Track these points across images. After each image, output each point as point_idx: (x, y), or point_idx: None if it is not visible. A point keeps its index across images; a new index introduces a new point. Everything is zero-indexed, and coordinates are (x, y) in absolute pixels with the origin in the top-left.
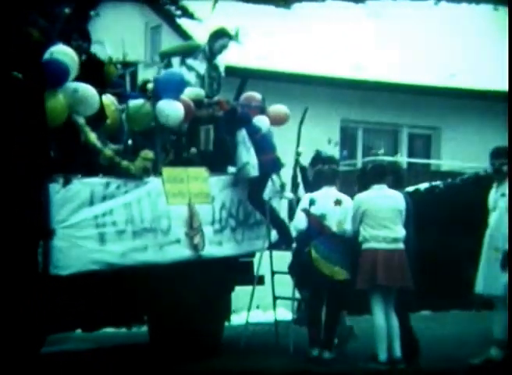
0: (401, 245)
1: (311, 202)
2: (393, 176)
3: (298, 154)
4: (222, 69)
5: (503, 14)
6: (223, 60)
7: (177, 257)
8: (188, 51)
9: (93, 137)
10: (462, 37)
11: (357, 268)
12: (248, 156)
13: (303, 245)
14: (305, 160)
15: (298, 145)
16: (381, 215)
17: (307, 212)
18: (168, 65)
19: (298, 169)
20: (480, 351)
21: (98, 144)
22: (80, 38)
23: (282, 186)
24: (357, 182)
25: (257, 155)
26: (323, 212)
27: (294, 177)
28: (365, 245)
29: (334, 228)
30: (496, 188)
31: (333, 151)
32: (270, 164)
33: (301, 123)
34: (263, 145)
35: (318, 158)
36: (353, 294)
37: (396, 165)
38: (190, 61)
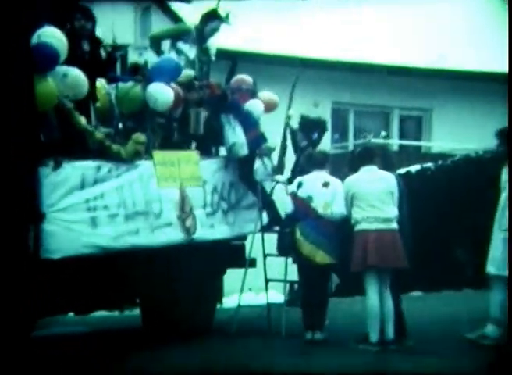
0: (393, 225)
1: (299, 185)
2: (382, 159)
3: (288, 117)
4: (213, 52)
5: None
6: (215, 43)
7: (169, 240)
8: (178, 35)
9: (82, 120)
10: (452, 18)
11: (350, 251)
12: (234, 136)
13: (288, 228)
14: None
15: (289, 108)
16: (370, 196)
17: (294, 194)
18: (159, 48)
19: (288, 132)
20: (475, 328)
21: (88, 127)
22: (83, 18)
23: (274, 169)
24: (347, 165)
25: (245, 129)
26: (310, 194)
27: (284, 139)
28: (357, 227)
29: (320, 210)
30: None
31: (320, 113)
32: (255, 141)
33: (293, 87)
34: (247, 123)
35: (305, 121)
36: (348, 276)
37: (384, 148)
38: (180, 44)
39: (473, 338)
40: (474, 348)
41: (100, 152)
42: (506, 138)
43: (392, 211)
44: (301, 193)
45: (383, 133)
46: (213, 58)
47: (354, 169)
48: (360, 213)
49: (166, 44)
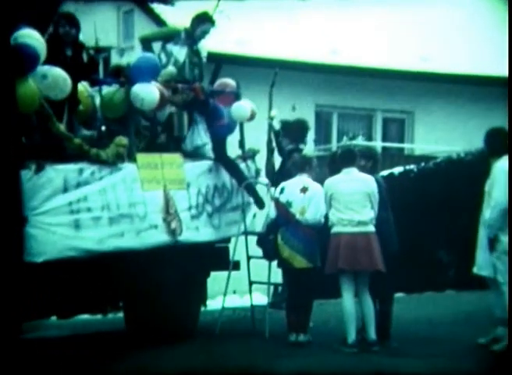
0: (368, 228)
1: (281, 191)
2: (371, 160)
3: (271, 118)
4: (204, 54)
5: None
6: (206, 45)
7: (155, 242)
8: (168, 37)
9: (60, 125)
10: (435, 22)
11: (326, 253)
12: (206, 137)
13: (270, 232)
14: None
15: (270, 109)
16: (347, 198)
17: (276, 200)
18: (149, 50)
19: (272, 134)
20: (486, 331)
21: (66, 132)
22: (67, 24)
23: (257, 171)
24: (328, 167)
25: (212, 122)
26: (289, 199)
27: (269, 142)
28: (333, 230)
29: (297, 215)
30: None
31: (300, 115)
32: (224, 129)
33: (272, 86)
34: (216, 113)
35: (286, 125)
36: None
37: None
38: (169, 46)
39: (484, 343)
40: (460, 349)
41: (79, 156)
42: (504, 139)
43: (369, 214)
44: (282, 198)
45: (359, 138)
46: (204, 60)
47: (335, 170)
48: (336, 215)
49: (157, 46)
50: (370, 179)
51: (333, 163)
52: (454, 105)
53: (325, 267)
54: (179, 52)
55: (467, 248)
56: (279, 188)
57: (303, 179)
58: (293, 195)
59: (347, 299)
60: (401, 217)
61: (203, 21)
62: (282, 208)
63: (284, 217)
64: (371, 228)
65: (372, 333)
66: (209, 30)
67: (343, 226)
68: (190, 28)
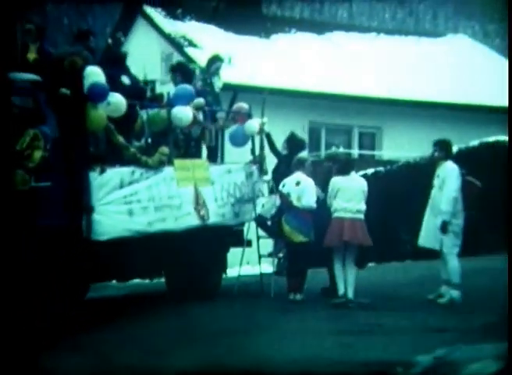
0: (361, 216)
1: (283, 185)
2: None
3: (263, 123)
4: (218, 85)
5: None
6: (220, 79)
7: (188, 225)
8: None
9: (120, 138)
10: (403, 56)
11: (325, 231)
12: None
13: (276, 217)
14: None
15: (262, 116)
16: (349, 192)
17: (280, 192)
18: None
19: (264, 135)
20: (433, 290)
21: (124, 142)
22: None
23: (265, 171)
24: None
25: None
26: (288, 191)
27: (261, 141)
28: (335, 214)
29: (294, 202)
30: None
31: (304, 135)
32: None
33: (264, 101)
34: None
35: (293, 137)
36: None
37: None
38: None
39: (432, 298)
40: (415, 303)
41: (133, 162)
42: (448, 147)
43: (363, 205)
44: (284, 190)
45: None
46: (218, 90)
47: (338, 170)
48: (340, 204)
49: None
50: (363, 180)
51: (342, 166)
52: (412, 123)
53: (323, 241)
54: (196, 85)
55: (420, 228)
56: (281, 184)
57: (298, 175)
58: (290, 188)
59: (338, 266)
60: (372, 207)
61: (215, 61)
62: (284, 198)
63: (286, 204)
64: (363, 216)
65: (351, 293)
66: (220, 67)
67: (345, 212)
68: (206, 66)
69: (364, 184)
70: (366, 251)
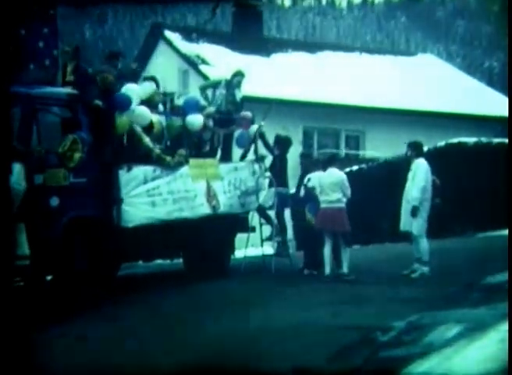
0: (342, 204)
1: (308, 179)
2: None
3: (261, 126)
4: (239, 95)
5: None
6: (241, 91)
7: (202, 214)
8: (215, 85)
9: (147, 140)
10: (383, 68)
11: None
12: None
13: (301, 207)
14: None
15: (263, 120)
16: (327, 185)
17: (305, 185)
18: (205, 94)
19: (257, 135)
20: (407, 266)
21: (150, 144)
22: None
23: (266, 169)
24: (317, 165)
25: None
26: (313, 185)
27: (254, 138)
28: (321, 205)
29: (319, 195)
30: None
31: (292, 134)
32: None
33: (268, 109)
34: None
35: (279, 138)
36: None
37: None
38: (218, 91)
39: (406, 273)
40: (391, 277)
41: (157, 161)
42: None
43: (339, 195)
44: (309, 184)
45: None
46: (238, 99)
47: (322, 166)
48: (322, 197)
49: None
50: (341, 173)
51: (323, 163)
52: (390, 127)
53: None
54: (220, 94)
55: (398, 215)
56: (306, 178)
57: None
58: (315, 182)
59: (327, 247)
60: (357, 199)
61: (238, 75)
62: (309, 191)
63: (310, 196)
64: (342, 204)
65: (345, 268)
66: (242, 81)
67: (325, 203)
68: (230, 78)
69: (340, 176)
70: (348, 234)
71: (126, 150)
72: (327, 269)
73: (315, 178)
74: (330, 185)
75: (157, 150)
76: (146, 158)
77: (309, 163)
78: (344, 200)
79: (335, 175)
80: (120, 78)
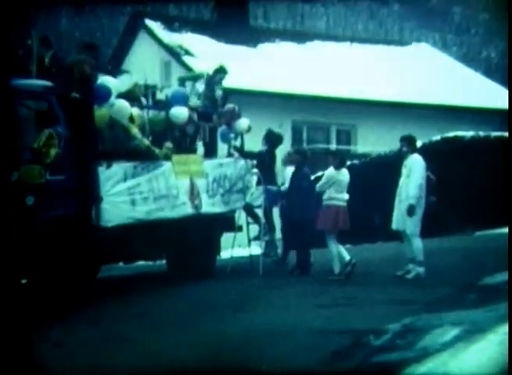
0: (346, 204)
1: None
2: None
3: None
4: (219, 92)
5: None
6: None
7: (184, 214)
8: (196, 78)
9: (135, 130)
10: (376, 61)
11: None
12: None
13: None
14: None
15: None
16: (343, 184)
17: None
18: (183, 86)
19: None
20: (401, 267)
21: (139, 135)
22: (41, 46)
23: (253, 165)
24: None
25: None
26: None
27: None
28: (330, 202)
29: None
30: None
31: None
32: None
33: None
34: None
35: (270, 133)
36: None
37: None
38: (197, 84)
39: (401, 274)
40: (386, 278)
41: (146, 153)
42: (413, 142)
43: (347, 195)
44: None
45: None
46: (217, 97)
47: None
48: (334, 194)
49: (188, 84)
50: (348, 173)
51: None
52: (382, 121)
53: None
54: (200, 88)
55: (391, 213)
56: (323, 175)
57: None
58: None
59: (333, 246)
60: (351, 195)
61: (221, 71)
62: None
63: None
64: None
65: (337, 268)
66: (224, 77)
67: (338, 201)
68: (212, 74)
69: (348, 177)
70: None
71: (106, 144)
72: (336, 269)
73: (332, 176)
74: (347, 185)
75: (146, 141)
76: (130, 152)
77: (331, 158)
78: None
79: (347, 175)
80: (96, 71)
